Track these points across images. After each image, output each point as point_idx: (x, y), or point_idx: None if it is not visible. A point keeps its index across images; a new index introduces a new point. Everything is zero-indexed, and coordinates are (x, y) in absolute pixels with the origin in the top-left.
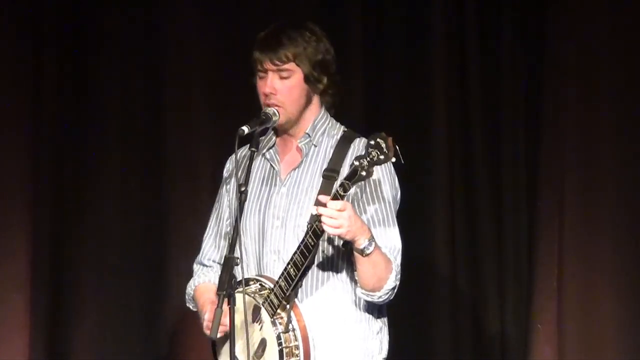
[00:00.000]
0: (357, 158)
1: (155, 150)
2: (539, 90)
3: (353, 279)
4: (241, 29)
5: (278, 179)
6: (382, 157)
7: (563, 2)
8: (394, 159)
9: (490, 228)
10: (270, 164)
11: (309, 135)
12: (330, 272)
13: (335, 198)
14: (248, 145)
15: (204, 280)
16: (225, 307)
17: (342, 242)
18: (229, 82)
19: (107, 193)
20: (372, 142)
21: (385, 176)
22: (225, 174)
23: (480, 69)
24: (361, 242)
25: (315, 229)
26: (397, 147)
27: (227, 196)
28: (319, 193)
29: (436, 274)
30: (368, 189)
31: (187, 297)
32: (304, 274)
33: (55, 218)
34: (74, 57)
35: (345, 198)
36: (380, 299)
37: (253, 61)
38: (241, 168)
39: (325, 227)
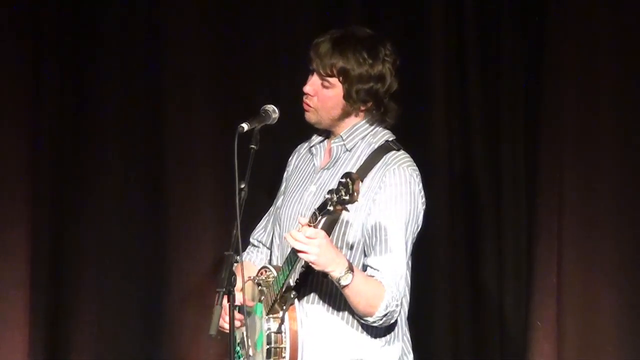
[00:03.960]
0: (330, 192)
1: (155, 149)
2: (539, 90)
3: None
4: (241, 28)
5: (314, 175)
6: (346, 197)
7: (563, 2)
8: (355, 201)
9: (490, 227)
10: (314, 161)
11: (343, 138)
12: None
13: (310, 224)
14: (309, 142)
15: (249, 257)
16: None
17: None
18: (228, 81)
19: (107, 192)
20: (342, 180)
21: (404, 195)
22: (289, 162)
23: (480, 68)
24: (335, 274)
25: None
26: (357, 200)
27: (284, 183)
28: None
29: (436, 273)
30: (383, 205)
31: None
32: (295, 281)
33: (55, 216)
34: (74, 56)
35: (321, 226)
36: (375, 324)
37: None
38: (301, 159)
39: (299, 254)
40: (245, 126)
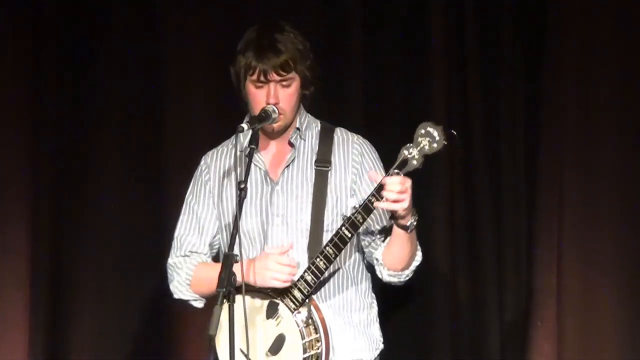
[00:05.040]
0: (406, 147)
1: (155, 149)
2: (538, 90)
3: (357, 268)
4: (242, 26)
5: (268, 178)
6: (434, 145)
7: (563, 1)
8: (444, 142)
9: (490, 227)
10: (255, 165)
11: (299, 130)
12: (339, 265)
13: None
14: (226, 145)
15: (198, 261)
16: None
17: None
18: (228, 81)
19: (107, 191)
20: (422, 131)
21: (378, 159)
22: (204, 173)
23: (480, 69)
24: (409, 219)
25: (354, 222)
26: (454, 132)
27: (209, 195)
28: (315, 185)
29: (436, 274)
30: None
31: (180, 287)
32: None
33: (55, 216)
34: (74, 56)
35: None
36: (407, 278)
37: (246, 68)
38: (226, 166)
39: (393, 205)
40: (245, 126)
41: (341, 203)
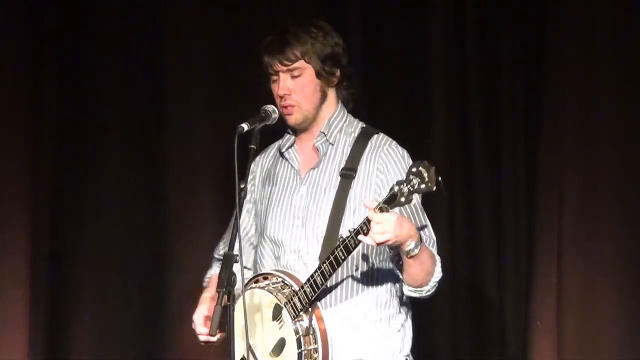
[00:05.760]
0: (398, 183)
1: (155, 148)
2: (539, 90)
3: (374, 278)
4: (241, 26)
5: (298, 178)
6: (422, 186)
7: (563, 1)
8: (434, 189)
9: (490, 226)
10: (290, 164)
11: (325, 134)
12: (352, 275)
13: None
14: (274, 145)
15: (215, 272)
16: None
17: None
18: (228, 80)
19: (107, 191)
20: (414, 170)
21: (404, 172)
22: (249, 174)
23: (480, 68)
24: (408, 244)
25: (347, 244)
26: (440, 179)
27: (251, 194)
28: (337, 192)
29: None
30: (364, 198)
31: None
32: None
33: (55, 216)
34: (74, 57)
35: None
36: (429, 293)
37: (264, 66)
38: (272, 167)
39: (372, 240)
40: (245, 126)
41: (359, 214)
